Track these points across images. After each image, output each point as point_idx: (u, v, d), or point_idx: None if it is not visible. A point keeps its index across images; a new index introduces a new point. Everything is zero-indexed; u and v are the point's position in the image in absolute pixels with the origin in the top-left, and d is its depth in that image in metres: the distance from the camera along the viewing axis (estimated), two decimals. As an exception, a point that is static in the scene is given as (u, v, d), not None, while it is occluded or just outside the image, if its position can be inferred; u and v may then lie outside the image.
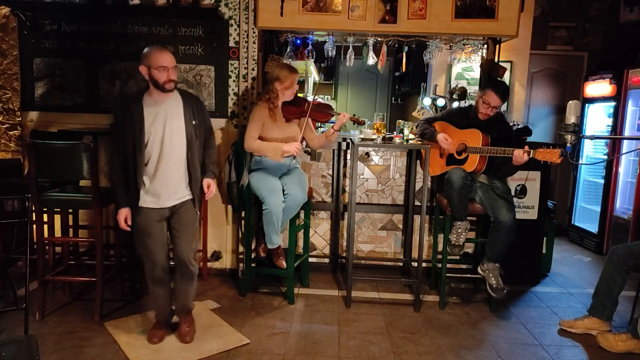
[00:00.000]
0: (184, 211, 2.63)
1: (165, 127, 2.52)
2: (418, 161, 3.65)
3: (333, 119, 3.30)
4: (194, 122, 2.59)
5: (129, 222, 2.57)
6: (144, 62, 2.47)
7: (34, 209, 2.84)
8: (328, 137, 3.22)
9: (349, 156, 3.74)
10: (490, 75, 3.85)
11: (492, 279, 3.12)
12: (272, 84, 3.12)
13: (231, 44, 3.62)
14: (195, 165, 2.62)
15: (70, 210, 3.33)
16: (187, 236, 2.65)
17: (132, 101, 2.52)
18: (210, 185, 2.70)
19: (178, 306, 2.75)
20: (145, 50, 2.52)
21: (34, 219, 2.92)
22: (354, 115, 3.31)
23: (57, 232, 3.29)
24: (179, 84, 2.63)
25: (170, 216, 2.62)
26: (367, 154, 3.77)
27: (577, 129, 2.57)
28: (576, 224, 5.27)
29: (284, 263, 3.20)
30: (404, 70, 4.90)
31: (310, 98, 3.46)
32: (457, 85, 4.64)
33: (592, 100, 5.07)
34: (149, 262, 2.61)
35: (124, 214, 2.56)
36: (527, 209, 3.71)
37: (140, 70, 2.49)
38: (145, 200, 2.55)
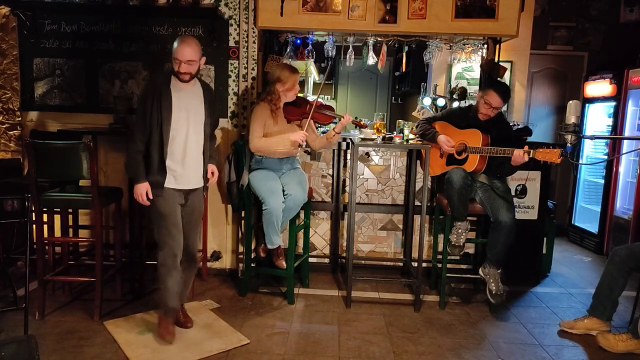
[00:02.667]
0: (197, 200, 2.73)
1: (190, 112, 2.60)
2: (418, 161, 3.65)
3: (335, 120, 3.29)
4: (210, 112, 2.69)
5: (150, 196, 2.58)
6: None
7: (33, 209, 2.84)
8: (329, 140, 3.22)
9: (349, 156, 3.74)
10: (491, 75, 3.85)
11: (493, 284, 3.12)
12: (274, 85, 3.10)
13: (231, 43, 3.62)
14: (207, 152, 2.72)
15: (70, 210, 3.33)
16: (197, 227, 2.79)
17: (162, 83, 2.57)
18: (214, 171, 2.81)
19: (182, 297, 2.79)
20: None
21: (34, 219, 2.92)
22: (357, 118, 3.30)
23: (57, 232, 3.29)
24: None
25: (184, 203, 2.67)
26: (367, 154, 3.77)
27: (577, 129, 2.56)
28: (576, 224, 5.27)
29: (284, 263, 3.20)
30: (404, 70, 4.90)
31: (311, 98, 3.45)
32: (457, 85, 4.64)
33: (592, 100, 5.07)
34: (168, 248, 2.60)
35: (145, 187, 2.56)
36: (527, 209, 3.71)
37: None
38: (169, 181, 2.58)
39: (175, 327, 2.72)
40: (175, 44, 2.52)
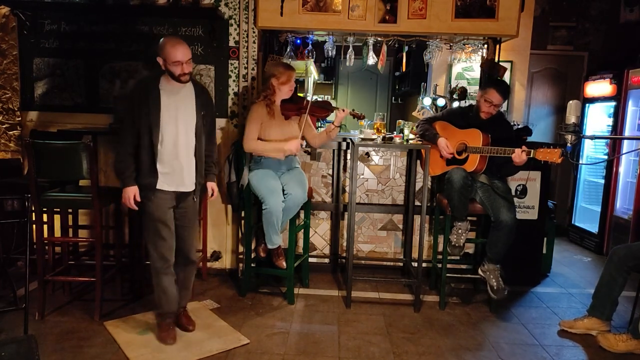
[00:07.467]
0: (190, 203, 2.69)
1: (179, 113, 2.55)
2: (418, 161, 3.65)
3: (332, 115, 3.30)
4: (202, 113, 2.63)
5: (138, 199, 2.56)
6: (160, 54, 2.47)
7: (33, 209, 2.84)
8: (329, 133, 3.22)
9: (349, 156, 3.74)
10: (491, 75, 3.85)
11: (493, 280, 3.12)
12: (269, 80, 3.14)
13: (231, 43, 3.62)
14: (201, 155, 2.67)
15: (70, 210, 3.33)
16: (193, 229, 2.76)
17: (149, 85, 2.53)
18: (214, 189, 2.81)
19: (182, 299, 2.78)
20: (161, 41, 2.50)
21: (34, 219, 2.92)
22: (353, 110, 3.31)
23: (57, 232, 3.29)
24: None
25: (176, 206, 2.64)
26: (367, 154, 3.77)
27: (578, 129, 2.56)
28: (576, 224, 5.27)
29: (284, 263, 3.20)
30: (404, 70, 4.90)
31: (308, 98, 3.45)
32: (457, 85, 4.64)
33: (593, 100, 5.07)
34: (160, 252, 2.59)
35: (134, 191, 2.54)
36: (528, 209, 3.71)
37: (158, 61, 2.49)
38: (159, 184, 2.55)
39: (176, 329, 2.72)
40: (166, 46, 2.43)
